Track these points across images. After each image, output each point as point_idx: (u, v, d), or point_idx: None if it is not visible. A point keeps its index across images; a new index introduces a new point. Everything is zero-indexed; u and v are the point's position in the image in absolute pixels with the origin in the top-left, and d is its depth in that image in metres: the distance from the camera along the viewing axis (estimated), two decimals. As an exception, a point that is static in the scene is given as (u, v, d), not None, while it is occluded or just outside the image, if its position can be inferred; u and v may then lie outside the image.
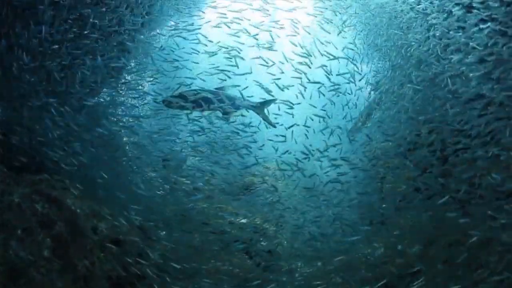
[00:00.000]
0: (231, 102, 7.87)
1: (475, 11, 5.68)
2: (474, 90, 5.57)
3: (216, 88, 8.04)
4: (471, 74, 5.59)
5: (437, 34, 6.38)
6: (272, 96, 7.66)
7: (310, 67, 7.48)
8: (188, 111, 7.77)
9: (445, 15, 6.25)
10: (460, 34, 5.94)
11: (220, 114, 8.07)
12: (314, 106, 7.61)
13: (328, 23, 8.60)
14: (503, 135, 5.17)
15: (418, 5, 6.80)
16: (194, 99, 7.68)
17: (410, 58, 6.98)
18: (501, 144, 5.18)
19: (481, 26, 5.63)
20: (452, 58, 5.92)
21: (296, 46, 7.71)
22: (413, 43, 6.96)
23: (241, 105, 8.09)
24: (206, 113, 7.96)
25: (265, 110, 8.34)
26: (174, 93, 7.94)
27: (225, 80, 7.60)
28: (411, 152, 6.48)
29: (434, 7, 6.44)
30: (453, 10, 6.03)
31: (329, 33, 8.35)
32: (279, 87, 7.31)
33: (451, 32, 6.07)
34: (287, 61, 7.44)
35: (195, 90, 7.86)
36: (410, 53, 6.92)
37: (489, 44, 5.53)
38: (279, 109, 7.73)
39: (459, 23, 5.92)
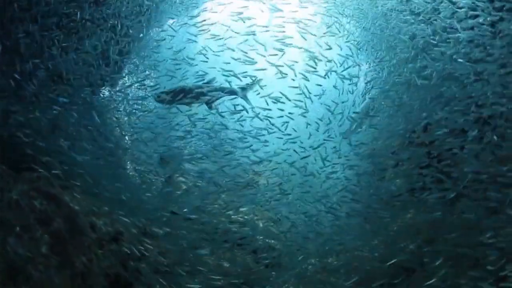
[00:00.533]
0: (215, 91, 7.92)
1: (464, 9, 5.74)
2: (467, 89, 5.60)
3: (205, 83, 8.08)
4: (460, 73, 5.63)
5: (429, 33, 6.41)
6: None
7: (315, 68, 7.48)
8: (173, 105, 7.87)
9: (436, 14, 6.28)
10: (450, 31, 5.98)
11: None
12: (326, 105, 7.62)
13: (329, 22, 8.60)
14: (490, 134, 5.22)
15: (411, 4, 6.81)
16: (188, 93, 7.76)
17: (405, 58, 6.98)
18: (492, 142, 5.22)
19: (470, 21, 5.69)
20: (445, 55, 5.94)
21: (300, 48, 7.72)
22: (406, 42, 6.99)
23: (225, 92, 8.12)
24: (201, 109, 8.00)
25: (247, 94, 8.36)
26: (166, 89, 8.01)
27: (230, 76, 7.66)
28: (408, 151, 6.48)
29: (427, 5, 6.45)
30: (442, 5, 6.07)
31: (334, 34, 8.36)
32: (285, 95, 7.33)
33: (444, 30, 6.10)
34: (288, 66, 7.46)
35: (186, 85, 7.92)
36: (404, 53, 6.93)
37: (480, 42, 5.59)
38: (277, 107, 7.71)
39: (450, 20, 5.95)
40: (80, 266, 4.69)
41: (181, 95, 7.70)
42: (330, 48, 7.69)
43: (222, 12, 8.40)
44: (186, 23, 8.69)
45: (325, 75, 7.47)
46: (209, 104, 7.99)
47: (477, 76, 5.57)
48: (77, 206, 5.18)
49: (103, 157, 6.77)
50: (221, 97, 8.08)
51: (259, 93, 7.82)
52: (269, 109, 7.62)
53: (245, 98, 8.24)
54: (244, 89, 8.24)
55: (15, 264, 4.23)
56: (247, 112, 7.94)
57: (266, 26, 7.97)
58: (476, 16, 5.67)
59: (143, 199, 6.93)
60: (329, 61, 7.51)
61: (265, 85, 7.79)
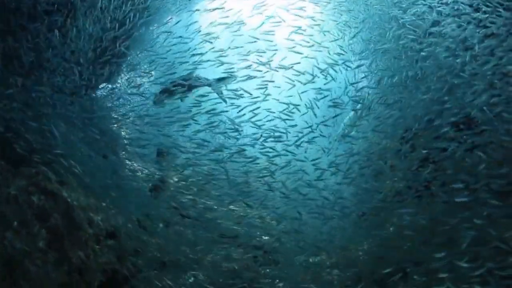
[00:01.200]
0: (187, 82, 7.96)
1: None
2: (458, 90, 5.66)
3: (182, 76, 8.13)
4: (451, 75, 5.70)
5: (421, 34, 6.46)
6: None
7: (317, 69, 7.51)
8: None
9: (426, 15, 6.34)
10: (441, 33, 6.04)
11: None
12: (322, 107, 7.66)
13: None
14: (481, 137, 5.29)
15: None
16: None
17: (399, 60, 7.01)
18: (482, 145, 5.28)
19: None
20: (437, 56, 6.00)
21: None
22: (389, 47, 7.05)
23: (197, 83, 8.11)
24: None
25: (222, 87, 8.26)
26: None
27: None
28: (403, 152, 6.52)
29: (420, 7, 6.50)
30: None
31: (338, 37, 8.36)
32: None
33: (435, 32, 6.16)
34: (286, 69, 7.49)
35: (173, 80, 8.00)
36: (399, 56, 6.95)
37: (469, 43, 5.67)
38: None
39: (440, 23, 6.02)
40: (77, 262, 4.73)
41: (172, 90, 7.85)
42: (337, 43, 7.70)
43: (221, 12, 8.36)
44: (187, 19, 8.66)
45: (313, 78, 7.49)
46: (183, 97, 8.03)
47: (467, 76, 5.63)
48: (75, 201, 5.20)
49: (101, 153, 6.79)
50: (194, 89, 8.10)
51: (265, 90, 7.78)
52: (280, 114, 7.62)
53: (218, 90, 8.21)
54: (218, 81, 8.24)
55: (13, 258, 4.26)
56: (225, 102, 7.94)
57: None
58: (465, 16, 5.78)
59: (141, 195, 6.96)
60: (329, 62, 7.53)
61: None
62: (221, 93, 8.10)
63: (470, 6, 5.76)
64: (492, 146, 5.18)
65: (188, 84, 7.92)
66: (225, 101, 7.94)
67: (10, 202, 4.63)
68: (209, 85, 8.15)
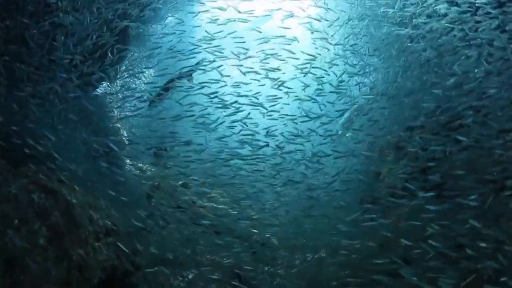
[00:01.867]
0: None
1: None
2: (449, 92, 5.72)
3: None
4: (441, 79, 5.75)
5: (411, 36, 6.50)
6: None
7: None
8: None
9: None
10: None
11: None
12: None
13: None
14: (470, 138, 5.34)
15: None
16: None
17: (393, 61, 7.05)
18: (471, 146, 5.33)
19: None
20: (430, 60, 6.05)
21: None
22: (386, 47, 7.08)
23: (174, 77, 8.20)
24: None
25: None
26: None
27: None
28: (399, 154, 6.56)
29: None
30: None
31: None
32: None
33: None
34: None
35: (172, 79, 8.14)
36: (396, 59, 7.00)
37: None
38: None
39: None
40: (77, 259, 4.78)
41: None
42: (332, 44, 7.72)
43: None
44: (190, 17, 8.67)
45: (306, 74, 7.52)
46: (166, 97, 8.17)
47: (458, 77, 5.68)
48: (75, 199, 5.25)
49: (101, 152, 6.82)
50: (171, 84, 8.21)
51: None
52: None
53: (190, 78, 8.29)
54: (191, 70, 8.23)
55: (13, 255, 4.31)
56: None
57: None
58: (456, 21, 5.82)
59: (141, 193, 6.99)
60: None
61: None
62: (191, 78, 8.19)
63: (460, 6, 5.79)
64: (483, 149, 5.22)
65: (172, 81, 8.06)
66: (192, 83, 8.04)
67: (10, 201, 4.68)
68: (182, 76, 8.22)
